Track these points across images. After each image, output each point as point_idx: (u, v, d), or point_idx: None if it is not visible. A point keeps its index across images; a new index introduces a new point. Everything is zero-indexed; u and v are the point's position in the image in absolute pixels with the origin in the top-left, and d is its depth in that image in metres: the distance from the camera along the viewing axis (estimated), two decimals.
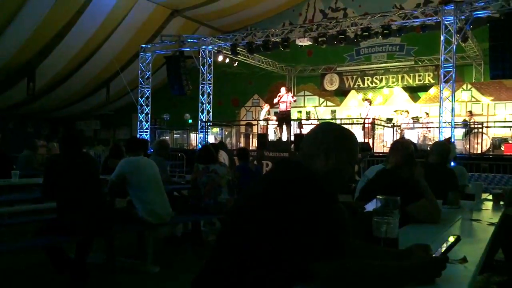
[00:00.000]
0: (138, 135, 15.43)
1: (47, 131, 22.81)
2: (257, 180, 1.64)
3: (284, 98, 13.60)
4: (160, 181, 4.48)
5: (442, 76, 10.85)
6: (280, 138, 13.58)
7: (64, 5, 14.19)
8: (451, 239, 1.45)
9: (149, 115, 15.86)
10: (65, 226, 3.64)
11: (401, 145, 2.87)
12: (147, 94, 15.74)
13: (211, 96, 15.11)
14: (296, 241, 1.31)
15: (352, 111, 16.00)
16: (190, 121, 16.99)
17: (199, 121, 14.87)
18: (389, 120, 13.95)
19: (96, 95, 19.94)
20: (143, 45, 15.79)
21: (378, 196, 1.77)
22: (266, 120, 14.87)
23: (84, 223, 3.66)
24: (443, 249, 1.43)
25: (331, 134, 1.57)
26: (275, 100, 13.49)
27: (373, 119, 13.06)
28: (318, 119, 15.32)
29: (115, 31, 16.36)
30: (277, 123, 14.16)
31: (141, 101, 15.71)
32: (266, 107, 15.30)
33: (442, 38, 10.82)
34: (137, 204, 4.29)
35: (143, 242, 4.62)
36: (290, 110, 14.12)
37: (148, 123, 15.85)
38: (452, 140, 10.26)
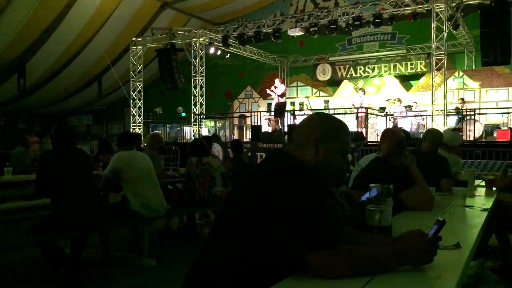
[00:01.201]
0: (131, 129, 15.36)
1: (39, 127, 22.66)
2: (249, 173, 1.63)
3: (280, 89, 13.61)
4: (153, 175, 4.47)
5: (433, 64, 10.87)
6: (279, 130, 13.56)
7: (51, 0, 14.01)
8: (435, 225, 1.46)
9: (142, 109, 15.78)
10: (59, 222, 3.63)
11: (391, 133, 2.88)
12: (139, 88, 15.65)
13: (204, 89, 15.05)
14: (289, 232, 1.31)
15: (345, 100, 16.00)
16: (183, 114, 16.92)
17: (192, 114, 14.82)
18: (382, 109, 13.97)
19: (87, 90, 19.79)
20: (134, 39, 15.66)
21: (371, 185, 1.77)
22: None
23: (78, 219, 3.65)
24: (431, 234, 1.44)
25: (322, 124, 1.56)
26: (272, 93, 13.46)
27: (366, 108, 13.08)
28: (311, 110, 15.31)
29: (104, 25, 16.19)
30: (273, 114, 14.16)
31: (133, 95, 15.61)
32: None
33: (433, 25, 10.82)
34: (131, 198, 4.28)
35: (138, 236, 4.62)
36: (285, 102, 14.13)
37: (141, 117, 15.78)
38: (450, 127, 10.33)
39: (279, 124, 13.84)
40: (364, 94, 13.83)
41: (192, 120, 14.81)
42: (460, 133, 8.65)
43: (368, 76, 16.62)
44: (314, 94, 17.74)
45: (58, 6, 14.51)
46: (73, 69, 17.87)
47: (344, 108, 14.82)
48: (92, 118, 23.57)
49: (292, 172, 1.42)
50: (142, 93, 15.69)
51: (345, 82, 16.90)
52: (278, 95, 13.40)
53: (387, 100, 14.62)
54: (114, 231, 4.80)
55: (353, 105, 13.75)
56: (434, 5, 10.83)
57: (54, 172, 3.68)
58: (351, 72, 16.95)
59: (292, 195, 1.34)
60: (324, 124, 1.56)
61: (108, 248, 4.50)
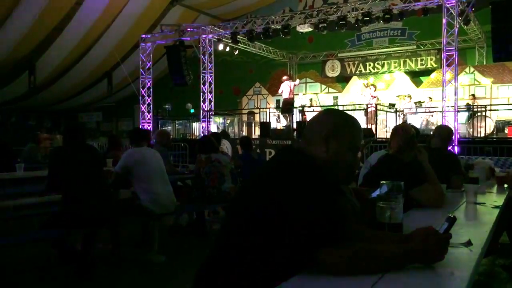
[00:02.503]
0: (140, 126, 15.43)
1: (49, 124, 22.86)
2: (259, 168, 1.63)
3: (286, 85, 13.63)
4: (164, 171, 4.49)
5: (444, 59, 10.75)
6: (288, 126, 13.57)
7: None
8: (445, 222, 1.45)
9: (151, 105, 15.83)
10: (71, 218, 3.66)
11: (401, 129, 2.86)
12: (149, 84, 15.70)
13: (212, 85, 15.07)
14: (300, 228, 1.31)
15: (354, 97, 15.92)
16: (192, 110, 16.96)
17: (201, 111, 14.84)
18: (392, 105, 13.89)
19: (97, 87, 19.92)
20: (143, 35, 15.70)
21: (381, 182, 1.76)
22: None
23: (89, 215, 3.68)
24: (441, 231, 1.43)
25: (332, 120, 1.55)
26: (281, 90, 13.52)
27: (376, 104, 13.00)
28: (320, 106, 15.26)
29: (114, 22, 16.27)
30: (281, 111, 14.18)
31: (143, 92, 15.67)
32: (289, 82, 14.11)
33: (444, 21, 10.69)
34: (141, 194, 4.31)
35: (147, 232, 4.65)
36: (293, 98, 14.13)
37: (150, 113, 15.84)
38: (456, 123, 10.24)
39: (288, 120, 13.84)
40: (375, 90, 13.77)
41: (201, 117, 14.83)
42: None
43: (378, 72, 16.51)
44: (323, 90, 17.67)
45: (67, 3, 14.61)
46: (83, 66, 17.99)
47: (354, 105, 14.75)
48: (102, 114, 23.72)
49: (303, 168, 1.42)
50: (151, 89, 15.74)
51: (354, 78, 16.81)
52: (289, 91, 13.48)
53: (398, 96, 14.52)
54: (124, 227, 4.83)
55: (364, 97, 13.64)
56: (444, 0, 10.71)
57: (65, 168, 3.71)
58: (360, 68, 16.86)
59: (303, 191, 1.34)
60: (335, 120, 1.55)
61: (118, 243, 4.53)
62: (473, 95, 13.50)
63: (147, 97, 15.68)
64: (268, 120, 14.03)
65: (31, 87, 16.80)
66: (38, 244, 4.25)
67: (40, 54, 16.46)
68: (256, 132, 14.76)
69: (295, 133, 12.34)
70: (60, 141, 6.40)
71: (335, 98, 17.16)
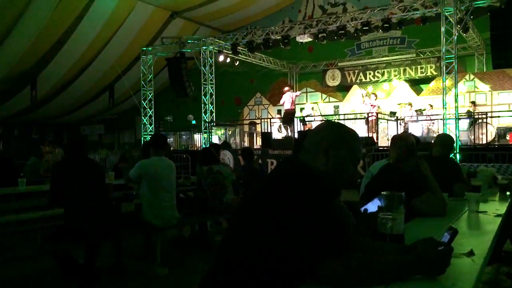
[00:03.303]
0: (142, 138, 15.48)
1: (52, 137, 22.93)
2: (261, 180, 1.64)
3: (288, 96, 13.69)
4: (173, 186, 4.49)
5: (444, 67, 10.79)
6: (289, 137, 13.60)
7: (64, 11, 14.23)
8: (447, 234, 1.45)
9: (153, 117, 15.89)
10: (73, 231, 3.67)
11: (400, 139, 2.87)
12: (150, 96, 15.77)
13: (214, 96, 15.12)
14: (300, 239, 1.31)
15: (355, 106, 15.95)
16: (193, 122, 17.01)
17: (203, 122, 14.88)
18: (393, 113, 13.91)
19: (99, 100, 20.01)
20: (144, 48, 15.81)
21: (383, 192, 1.77)
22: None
23: (91, 228, 3.69)
24: (443, 244, 1.43)
25: (332, 133, 1.57)
26: (283, 101, 13.60)
27: (377, 113, 13.03)
28: (321, 115, 15.30)
29: (115, 35, 16.39)
30: (282, 121, 14.23)
31: (144, 104, 15.74)
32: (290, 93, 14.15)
33: (442, 29, 10.76)
34: (145, 208, 4.32)
35: (150, 245, 4.64)
36: (294, 108, 14.18)
37: (152, 125, 15.88)
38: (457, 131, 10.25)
39: (289, 131, 13.87)
40: (375, 99, 13.79)
41: (203, 128, 14.87)
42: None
43: (378, 80, 16.56)
44: (324, 99, 17.71)
45: (69, 18, 14.73)
46: (84, 79, 18.08)
47: (355, 113, 14.77)
48: (104, 127, 23.79)
49: (304, 179, 1.43)
50: (152, 101, 15.80)
51: (355, 87, 16.85)
52: (290, 101, 13.54)
53: (399, 104, 14.55)
54: (127, 240, 4.83)
55: (365, 104, 13.67)
56: (443, 9, 10.78)
57: (67, 182, 3.73)
58: (360, 77, 16.91)
59: (304, 202, 1.35)
60: (335, 132, 1.57)
61: (121, 256, 4.52)
62: (474, 102, 13.51)
63: (148, 109, 15.74)
64: (269, 130, 14.05)
65: (32, 102, 16.89)
66: (41, 258, 4.25)
67: (42, 68, 16.56)
68: (258, 142, 14.78)
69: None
70: (60, 155, 6.42)
71: (336, 107, 17.19)
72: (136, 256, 4.84)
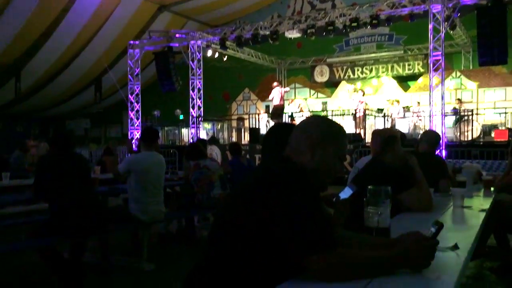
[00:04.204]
0: (129, 133, 15.36)
1: (37, 131, 22.63)
2: (247, 176, 1.63)
3: (277, 91, 13.70)
4: (162, 182, 4.45)
5: (431, 64, 10.88)
6: None
7: (49, 3, 14.02)
8: (433, 228, 1.46)
9: (140, 112, 15.77)
10: (58, 226, 3.62)
11: (376, 134, 2.89)
12: (137, 91, 15.64)
13: (202, 91, 15.05)
14: (287, 235, 1.31)
15: (343, 102, 16.02)
16: (181, 116, 16.93)
17: (190, 117, 14.81)
18: (380, 110, 14.00)
19: (85, 94, 19.80)
20: (131, 42, 15.66)
21: (369, 187, 1.77)
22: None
23: (77, 223, 3.64)
24: (429, 236, 1.44)
25: (318, 128, 1.56)
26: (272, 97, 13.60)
27: (365, 109, 13.11)
28: (309, 111, 15.34)
29: (101, 29, 16.21)
30: (271, 116, 14.24)
31: (131, 98, 15.61)
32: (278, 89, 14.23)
33: (430, 26, 10.84)
34: (131, 202, 4.28)
35: (137, 240, 4.61)
36: (283, 104, 14.19)
37: (139, 120, 15.77)
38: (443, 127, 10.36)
39: None
40: (363, 95, 13.87)
41: (190, 123, 14.80)
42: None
43: (366, 77, 16.65)
44: (312, 95, 17.76)
45: (55, 10, 14.52)
46: (70, 73, 17.87)
47: (343, 110, 14.84)
48: (90, 121, 23.55)
49: (290, 175, 1.42)
50: (140, 96, 15.68)
51: (343, 83, 16.92)
52: (282, 94, 13.57)
53: (388, 100, 14.64)
54: (113, 235, 4.79)
55: (353, 101, 13.74)
56: (431, 6, 10.85)
57: (52, 176, 3.67)
58: (349, 73, 16.99)
59: (290, 198, 1.34)
60: (321, 128, 1.56)
61: (107, 252, 4.49)
62: (460, 99, 13.67)
63: (135, 104, 15.61)
64: (257, 126, 14.04)
65: (17, 95, 16.64)
66: (25, 254, 4.19)
67: (27, 60, 16.32)
68: (246, 138, 14.77)
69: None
70: (45, 149, 6.33)
71: (324, 103, 17.25)
72: (122, 251, 4.81)
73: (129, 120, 15.72)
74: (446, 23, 10.88)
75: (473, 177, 4.01)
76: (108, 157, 5.80)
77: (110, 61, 16.81)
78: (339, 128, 1.62)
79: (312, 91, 17.80)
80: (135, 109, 15.64)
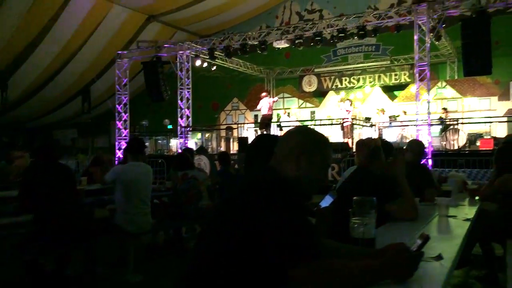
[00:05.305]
0: (116, 143, 15.24)
1: (23, 141, 22.34)
2: (235, 186, 1.64)
3: (265, 101, 13.74)
4: (149, 193, 4.42)
5: (417, 74, 11.01)
6: None
7: (37, 13, 13.95)
8: (419, 240, 1.47)
9: (128, 122, 15.67)
10: (43, 238, 3.57)
11: (362, 144, 2.91)
12: (125, 101, 15.54)
13: (190, 101, 15.03)
14: (271, 246, 1.31)
15: (331, 111, 16.12)
16: (169, 126, 16.86)
17: (179, 127, 14.77)
18: (368, 119, 14.11)
19: (72, 104, 19.64)
20: (119, 52, 15.60)
21: (354, 198, 1.78)
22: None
23: (62, 234, 3.60)
24: (414, 249, 1.45)
25: (303, 138, 1.57)
26: (260, 106, 13.62)
27: (352, 118, 13.19)
28: (298, 120, 15.40)
29: (90, 39, 16.15)
30: (259, 126, 14.26)
31: (119, 108, 15.51)
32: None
33: (415, 37, 10.99)
34: (118, 213, 4.25)
35: (124, 251, 4.56)
36: (272, 114, 14.23)
37: (127, 130, 15.66)
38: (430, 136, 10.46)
39: None
40: (351, 105, 13.98)
41: (179, 133, 14.75)
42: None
43: (354, 87, 16.79)
44: (301, 105, 17.85)
45: (43, 19, 14.45)
46: (58, 83, 17.74)
47: (331, 119, 14.94)
48: (78, 131, 23.33)
49: (274, 186, 1.43)
50: (128, 106, 15.60)
51: (331, 93, 17.04)
52: (268, 106, 13.60)
53: (377, 109, 14.76)
54: (100, 246, 4.73)
55: (340, 110, 13.82)
56: (416, 17, 11.01)
57: (36, 187, 3.63)
58: (336, 83, 17.12)
59: (274, 209, 1.35)
60: (305, 138, 1.57)
61: (93, 264, 4.43)
62: (445, 108, 13.84)
63: (123, 114, 15.51)
64: (246, 136, 14.04)
65: (3, 104, 16.45)
66: (9, 266, 4.12)
67: (14, 70, 16.17)
68: (235, 148, 14.75)
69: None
70: (28, 160, 6.25)
71: (313, 112, 17.35)
72: (108, 263, 4.75)
73: (116, 130, 15.60)
74: (431, 34, 11.04)
75: (458, 186, 4.06)
76: (95, 168, 5.74)
77: (98, 71, 16.73)
78: (324, 138, 1.63)
79: (301, 101, 17.91)
80: (123, 119, 15.54)
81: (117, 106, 15.42)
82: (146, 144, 15.67)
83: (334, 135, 13.59)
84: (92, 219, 4.63)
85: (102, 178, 4.38)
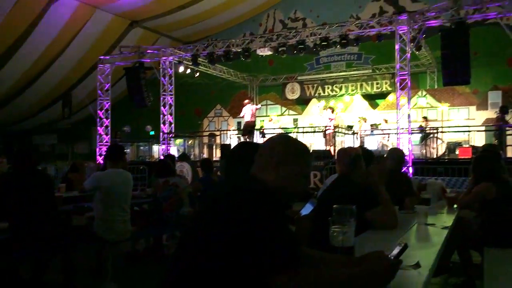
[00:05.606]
0: (97, 149, 15.05)
1: (1, 146, 21.88)
2: (212, 194, 1.63)
3: (249, 108, 13.77)
4: (129, 200, 4.36)
5: (398, 83, 11.18)
6: None
7: (17, 16, 13.74)
8: (397, 248, 1.48)
9: (109, 128, 15.50)
10: (19, 245, 3.49)
11: (343, 153, 2.94)
12: (107, 106, 15.39)
13: (173, 107, 14.95)
14: (251, 254, 1.30)
15: (314, 119, 16.23)
16: (152, 133, 16.72)
17: (161, 133, 14.67)
18: (350, 127, 14.23)
19: (53, 108, 19.34)
20: (102, 57, 15.46)
21: (334, 206, 1.78)
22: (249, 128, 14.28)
23: (39, 242, 3.52)
24: (392, 257, 1.46)
25: (282, 146, 1.57)
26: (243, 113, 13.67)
27: (334, 126, 13.30)
28: (281, 128, 15.45)
29: (72, 43, 15.96)
30: (242, 133, 14.26)
31: (101, 114, 15.34)
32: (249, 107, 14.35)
33: (396, 47, 11.16)
34: (97, 221, 4.18)
35: (102, 260, 4.49)
36: (255, 121, 14.26)
37: (108, 136, 15.48)
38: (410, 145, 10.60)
39: None
40: (332, 112, 14.09)
41: (161, 139, 14.65)
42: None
43: (336, 95, 16.94)
44: (284, 112, 17.92)
45: (23, 23, 14.23)
46: (38, 87, 17.46)
47: (313, 127, 15.02)
48: (57, 137, 22.96)
49: (254, 194, 1.42)
50: (109, 111, 15.43)
51: (314, 100, 17.17)
52: (251, 113, 13.64)
53: (359, 117, 14.90)
54: (77, 254, 4.64)
55: (322, 116, 13.93)
56: (397, 28, 11.20)
57: (13, 194, 3.55)
58: (319, 91, 17.25)
59: (253, 217, 1.34)
60: (285, 147, 1.57)
61: (70, 272, 4.33)
62: (426, 117, 14.05)
63: (105, 119, 15.35)
64: (229, 142, 14.02)
65: None
66: None
67: None
68: (217, 154, 14.71)
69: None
70: (6, 165, 6.13)
71: (295, 120, 17.43)
72: (86, 271, 4.66)
73: (97, 136, 15.41)
74: (412, 44, 11.23)
75: (437, 194, 4.11)
76: (74, 174, 5.65)
77: (80, 76, 16.53)
78: (304, 147, 1.63)
79: (284, 108, 17.98)
80: (104, 125, 15.37)
81: (98, 111, 15.25)
82: (128, 150, 15.62)
83: (317, 143, 13.67)
84: (70, 226, 4.54)
85: (81, 185, 4.30)
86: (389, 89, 15.73)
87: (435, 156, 11.69)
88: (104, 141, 15.27)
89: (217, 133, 16.14)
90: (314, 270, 1.40)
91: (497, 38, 12.75)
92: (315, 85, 17.35)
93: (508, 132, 11.31)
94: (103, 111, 15.30)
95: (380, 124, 14.13)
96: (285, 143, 1.60)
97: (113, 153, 4.37)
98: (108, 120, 15.35)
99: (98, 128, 15.33)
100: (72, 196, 5.41)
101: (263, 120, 17.16)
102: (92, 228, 4.15)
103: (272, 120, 15.84)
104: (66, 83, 17.28)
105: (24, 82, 17.03)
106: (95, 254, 4.78)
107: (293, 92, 17.77)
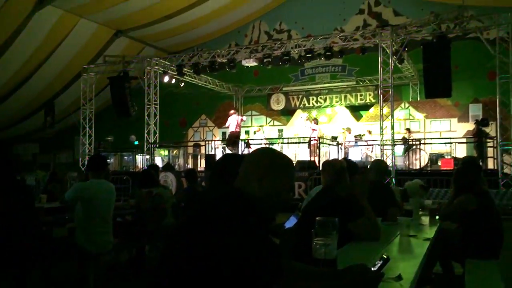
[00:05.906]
0: (80, 159, 14.86)
1: None
2: (195, 205, 1.62)
3: (234, 119, 13.80)
4: (111, 211, 4.29)
5: (381, 95, 11.33)
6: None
7: (0, 24, 13.58)
8: (379, 261, 1.50)
9: (92, 137, 15.33)
10: None
11: (327, 165, 2.96)
12: (90, 115, 15.24)
13: (158, 117, 14.88)
14: (234, 267, 1.30)
15: (298, 129, 16.31)
16: (136, 142, 16.59)
17: (145, 143, 14.56)
18: (334, 138, 14.34)
19: (35, 118, 19.06)
20: (85, 66, 15.34)
21: (317, 218, 1.79)
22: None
23: (19, 255, 3.45)
24: (374, 270, 1.47)
25: (266, 159, 1.58)
26: (229, 124, 13.69)
27: (319, 137, 13.39)
28: (265, 138, 15.48)
29: (55, 51, 15.82)
30: (226, 143, 14.25)
31: (84, 123, 15.18)
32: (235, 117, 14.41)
33: (380, 59, 11.34)
34: (78, 232, 4.11)
35: (83, 272, 4.41)
36: (240, 131, 14.27)
37: (92, 145, 15.31)
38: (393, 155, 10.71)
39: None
40: (316, 123, 14.18)
41: (145, 149, 14.54)
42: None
43: (321, 106, 17.08)
44: (269, 123, 17.98)
45: (6, 31, 14.07)
46: (21, 96, 17.23)
47: (298, 137, 15.10)
48: (39, 146, 22.61)
49: (237, 206, 1.42)
50: (93, 121, 15.28)
51: (299, 111, 17.27)
52: (238, 122, 13.69)
53: (343, 128, 15.02)
54: (58, 267, 4.56)
55: (305, 127, 14.02)
56: (380, 40, 11.38)
57: None
58: (304, 102, 17.38)
59: (236, 230, 1.34)
60: (268, 160, 1.58)
61: (51, 285, 4.26)
62: (408, 129, 14.25)
63: (88, 129, 15.19)
64: (213, 153, 13.99)
65: None
66: None
67: None
68: (202, 165, 14.66)
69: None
70: None
71: (280, 130, 17.50)
72: (67, 284, 4.57)
73: (81, 146, 15.22)
74: (394, 57, 11.43)
75: (417, 192, 4.16)
76: (54, 185, 5.57)
77: (63, 84, 16.36)
78: (287, 159, 1.64)
79: (269, 119, 18.05)
80: (88, 134, 15.20)
81: (82, 120, 15.09)
82: (111, 160, 15.44)
83: (301, 153, 13.72)
84: (50, 238, 4.45)
85: (62, 196, 4.24)
86: (373, 101, 15.92)
87: (417, 167, 11.83)
88: (87, 151, 15.11)
89: (202, 143, 16.10)
90: (296, 284, 1.40)
91: (477, 52, 13.04)
92: (300, 96, 17.48)
93: (488, 144, 11.52)
94: (86, 120, 15.15)
95: (364, 135, 14.27)
96: (268, 157, 1.60)
97: (95, 164, 4.32)
98: (92, 129, 15.20)
99: (81, 137, 15.17)
100: (53, 207, 5.32)
101: (248, 131, 17.19)
102: (74, 239, 4.08)
103: (260, 130, 15.85)
104: (49, 92, 17.07)
105: (6, 90, 16.79)
106: (76, 266, 4.71)
107: (278, 103, 17.86)
